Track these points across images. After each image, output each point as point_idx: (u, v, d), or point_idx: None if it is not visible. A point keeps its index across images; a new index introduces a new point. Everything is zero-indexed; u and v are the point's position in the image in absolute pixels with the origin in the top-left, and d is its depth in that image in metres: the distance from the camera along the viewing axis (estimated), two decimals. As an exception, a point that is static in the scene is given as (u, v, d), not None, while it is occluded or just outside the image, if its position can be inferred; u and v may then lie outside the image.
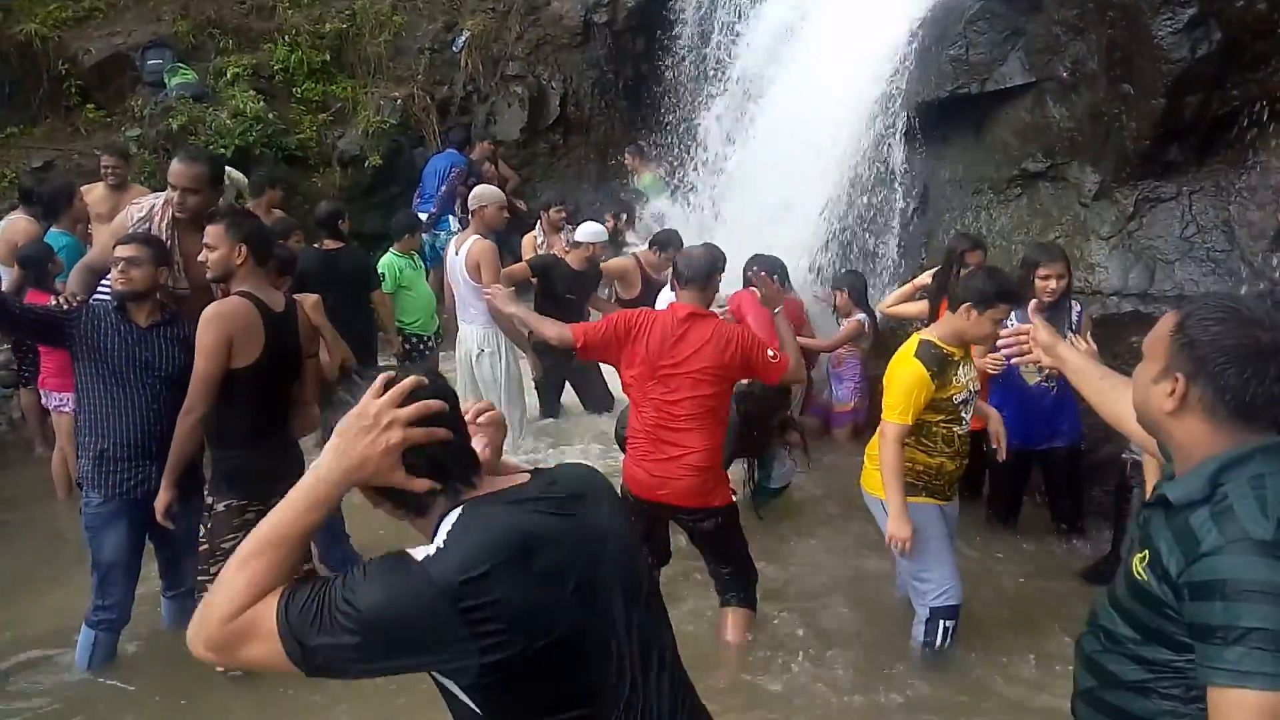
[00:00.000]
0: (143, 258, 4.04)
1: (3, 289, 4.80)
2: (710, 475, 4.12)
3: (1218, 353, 1.80)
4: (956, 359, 3.99)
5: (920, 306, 5.76)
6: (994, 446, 4.46)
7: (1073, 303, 5.07)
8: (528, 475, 1.77)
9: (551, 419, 7.30)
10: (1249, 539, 1.68)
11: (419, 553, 1.55)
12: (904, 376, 3.90)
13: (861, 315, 6.73)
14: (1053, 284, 4.81)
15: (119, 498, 4.05)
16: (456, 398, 1.70)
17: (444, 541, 1.56)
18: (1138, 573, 1.88)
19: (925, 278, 5.84)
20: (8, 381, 7.53)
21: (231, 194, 8.47)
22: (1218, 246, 5.58)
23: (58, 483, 5.98)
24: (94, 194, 7.11)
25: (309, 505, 1.57)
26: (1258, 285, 5.33)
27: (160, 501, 3.99)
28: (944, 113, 6.97)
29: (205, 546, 4.03)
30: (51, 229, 6.28)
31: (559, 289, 6.99)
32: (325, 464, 1.56)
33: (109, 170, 7.24)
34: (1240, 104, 5.54)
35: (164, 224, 4.56)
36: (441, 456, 1.62)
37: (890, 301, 6.18)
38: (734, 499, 4.31)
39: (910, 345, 3.98)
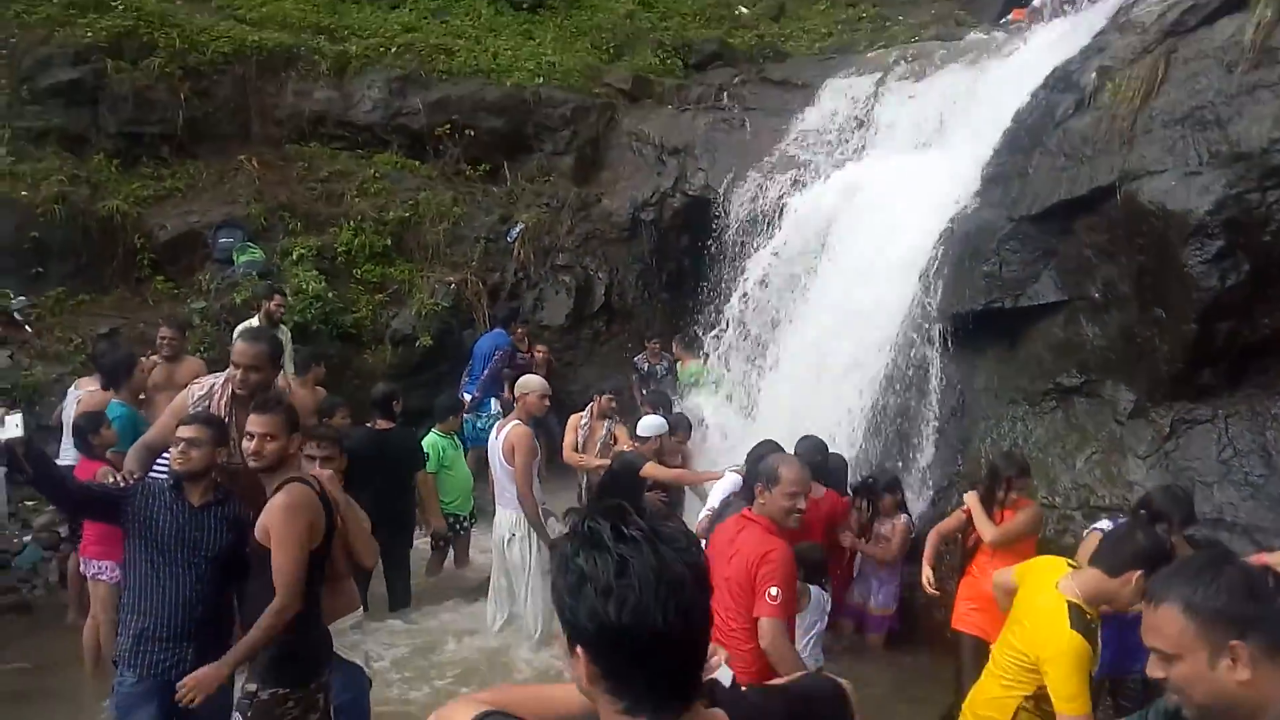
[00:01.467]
0: (204, 439, 4.16)
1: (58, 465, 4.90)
2: None
3: (1245, 601, 1.87)
4: (1094, 625, 3.55)
5: (957, 518, 5.74)
6: None
7: None
8: None
9: None
10: None
11: None
12: (1071, 654, 3.37)
13: (906, 517, 6.71)
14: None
15: (153, 678, 4.05)
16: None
17: None
18: None
19: (969, 497, 5.71)
20: (48, 544, 7.65)
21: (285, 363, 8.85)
22: (1255, 471, 5.60)
23: (87, 652, 5.97)
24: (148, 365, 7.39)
25: None
26: (1297, 513, 5.32)
27: (208, 680, 3.85)
28: (978, 324, 7.17)
29: None
30: (112, 399, 6.52)
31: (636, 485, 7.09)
32: None
33: (165, 341, 7.47)
34: (1271, 332, 5.67)
35: (223, 402, 4.76)
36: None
37: (944, 528, 5.91)
38: None
39: (1059, 611, 3.44)
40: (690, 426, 8.16)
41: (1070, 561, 4.03)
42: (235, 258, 10.50)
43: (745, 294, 9.37)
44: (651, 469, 6.97)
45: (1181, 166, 5.85)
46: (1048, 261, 6.80)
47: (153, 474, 4.74)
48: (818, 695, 1.87)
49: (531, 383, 6.88)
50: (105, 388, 6.65)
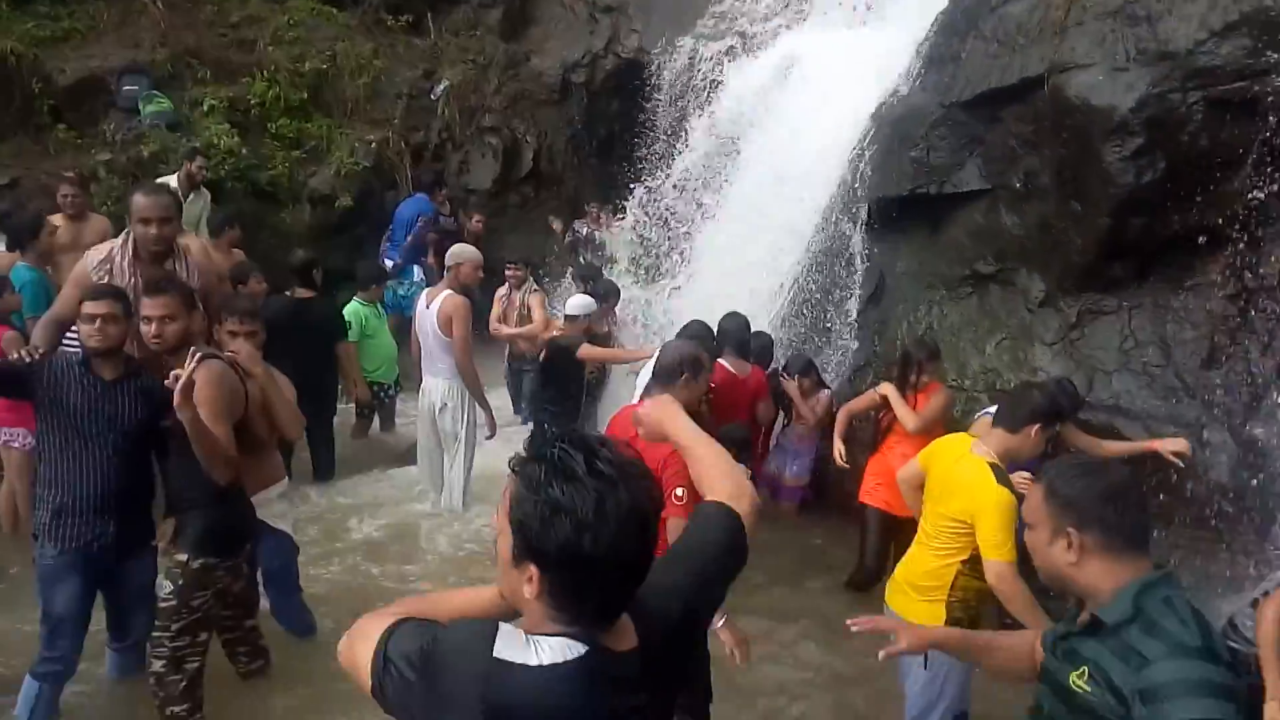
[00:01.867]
0: (119, 313, 4.04)
1: None
2: None
3: (1094, 500, 2.19)
4: None
5: (868, 399, 5.96)
6: None
7: None
8: (635, 641, 1.69)
9: None
10: (1183, 645, 2.03)
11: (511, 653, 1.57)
12: (1000, 507, 3.63)
13: (827, 392, 6.93)
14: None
15: (74, 550, 4.06)
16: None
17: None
18: (1077, 686, 2.19)
19: (886, 388, 5.82)
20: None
21: (194, 215, 8.58)
22: (1154, 361, 5.88)
23: (4, 516, 5.94)
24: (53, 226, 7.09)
25: None
26: (1192, 401, 5.63)
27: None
28: (902, 207, 7.26)
29: (172, 603, 4.00)
30: (18, 262, 6.27)
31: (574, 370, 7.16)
32: None
33: (67, 199, 7.19)
34: (1181, 229, 5.87)
35: (125, 263, 4.64)
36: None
37: (854, 407, 6.09)
38: None
39: (983, 471, 3.72)
40: (619, 293, 8.20)
41: (971, 433, 4.27)
42: (141, 107, 9.99)
43: (675, 167, 9.29)
44: (585, 351, 7.02)
45: (1109, 62, 5.88)
46: (974, 149, 6.87)
47: (63, 346, 4.63)
48: (710, 552, 1.93)
49: (465, 252, 6.79)
50: (10, 249, 6.38)
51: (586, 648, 1.58)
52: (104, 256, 4.67)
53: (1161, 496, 5.18)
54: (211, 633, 4.26)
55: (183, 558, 4.04)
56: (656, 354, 4.52)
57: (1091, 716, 2.15)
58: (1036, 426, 3.76)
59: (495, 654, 1.56)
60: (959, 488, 3.79)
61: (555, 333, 7.41)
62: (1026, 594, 3.61)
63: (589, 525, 1.51)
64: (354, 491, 7.05)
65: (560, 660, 1.56)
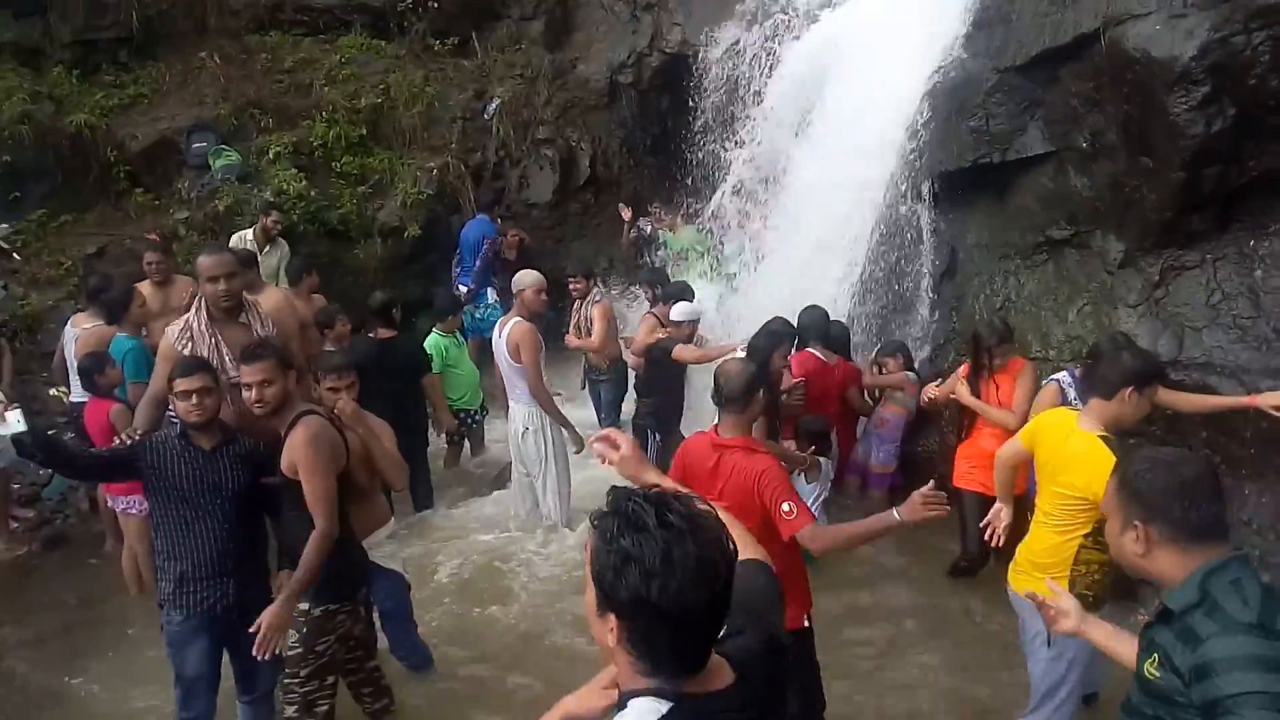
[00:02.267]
0: (210, 384, 4.23)
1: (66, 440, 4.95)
2: None
3: (1160, 494, 2.26)
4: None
5: (946, 390, 5.91)
6: None
7: None
8: (732, 677, 1.79)
9: None
10: (1237, 623, 2.09)
11: None
12: None
13: (912, 375, 6.90)
14: None
15: (199, 615, 4.29)
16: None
17: None
18: (1150, 674, 2.27)
19: (962, 393, 5.78)
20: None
21: (272, 266, 8.87)
22: (1244, 313, 5.71)
23: (129, 580, 6.24)
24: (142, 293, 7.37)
25: None
26: (1284, 352, 5.47)
27: (279, 618, 4.02)
28: (967, 178, 7.15)
29: (299, 650, 4.21)
30: (116, 334, 6.57)
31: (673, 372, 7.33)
32: None
33: (152, 266, 7.44)
34: (1258, 174, 5.68)
35: (202, 327, 4.83)
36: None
37: (940, 393, 6.06)
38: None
39: (1095, 445, 3.70)
40: (692, 294, 8.22)
41: (1070, 408, 4.24)
42: (211, 162, 10.33)
43: (735, 159, 9.27)
44: (679, 351, 7.11)
45: (1166, 9, 5.71)
46: (1034, 112, 6.73)
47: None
48: (759, 591, 2.09)
49: (526, 279, 6.91)
50: (108, 323, 6.69)
51: (670, 704, 1.67)
52: (183, 327, 4.89)
53: (1253, 451, 5.08)
54: (338, 676, 4.47)
55: (305, 606, 4.24)
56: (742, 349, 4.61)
57: (1165, 702, 2.22)
58: (1130, 389, 3.73)
59: None
60: (1074, 463, 3.77)
61: (660, 336, 7.46)
62: None
63: (656, 574, 1.60)
64: (453, 520, 7.25)
65: None
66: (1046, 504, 3.99)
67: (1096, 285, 6.34)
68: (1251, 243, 5.80)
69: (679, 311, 7.34)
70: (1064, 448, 3.87)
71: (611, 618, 1.66)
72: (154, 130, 10.57)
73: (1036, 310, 6.55)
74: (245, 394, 4.22)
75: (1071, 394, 4.98)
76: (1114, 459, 3.52)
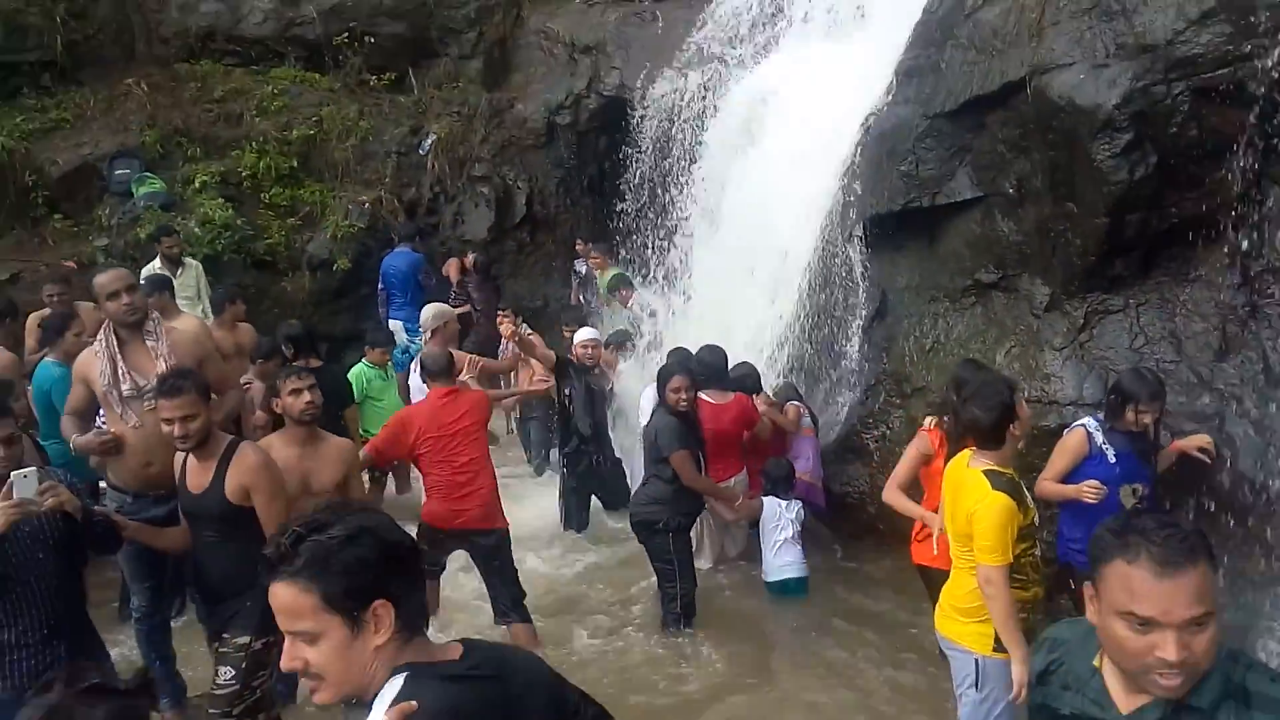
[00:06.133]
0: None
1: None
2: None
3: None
4: (1018, 480, 3.90)
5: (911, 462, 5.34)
6: None
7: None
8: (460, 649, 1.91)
9: (576, 531, 7.47)
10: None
11: None
12: (993, 513, 3.69)
13: (795, 402, 6.94)
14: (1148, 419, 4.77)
15: None
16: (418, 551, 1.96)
17: None
18: None
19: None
20: None
21: (190, 288, 8.61)
22: (1166, 357, 5.77)
23: None
24: (34, 323, 7.07)
25: None
26: (1204, 397, 5.53)
27: None
28: (898, 221, 7.20)
29: (234, 688, 4.03)
30: (45, 359, 6.30)
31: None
32: None
33: (53, 298, 7.15)
34: (1179, 221, 5.79)
35: (114, 354, 4.76)
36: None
37: (902, 477, 5.34)
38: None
39: (979, 480, 3.77)
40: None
41: (969, 449, 4.16)
42: (134, 190, 10.10)
43: (667, 201, 9.29)
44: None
45: (1089, 59, 5.82)
46: (963, 158, 6.80)
47: None
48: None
49: (444, 312, 7.06)
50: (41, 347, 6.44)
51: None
52: (105, 364, 4.79)
53: (1193, 499, 5.12)
54: (273, 710, 4.30)
55: (245, 640, 4.06)
56: None
57: None
58: (1010, 425, 3.90)
59: None
60: (963, 499, 3.84)
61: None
62: (1009, 605, 3.68)
63: None
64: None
65: None
66: (955, 546, 4.00)
67: (1024, 328, 6.39)
68: (1173, 289, 5.88)
69: (580, 336, 7.55)
70: (959, 487, 3.93)
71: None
72: (76, 155, 10.33)
73: (965, 352, 6.55)
74: (166, 428, 4.09)
75: (1099, 439, 4.79)
76: (992, 493, 3.68)
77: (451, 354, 6.32)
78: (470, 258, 10.42)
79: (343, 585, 1.75)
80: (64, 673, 2.04)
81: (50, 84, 10.73)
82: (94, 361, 4.84)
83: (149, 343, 4.81)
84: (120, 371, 4.70)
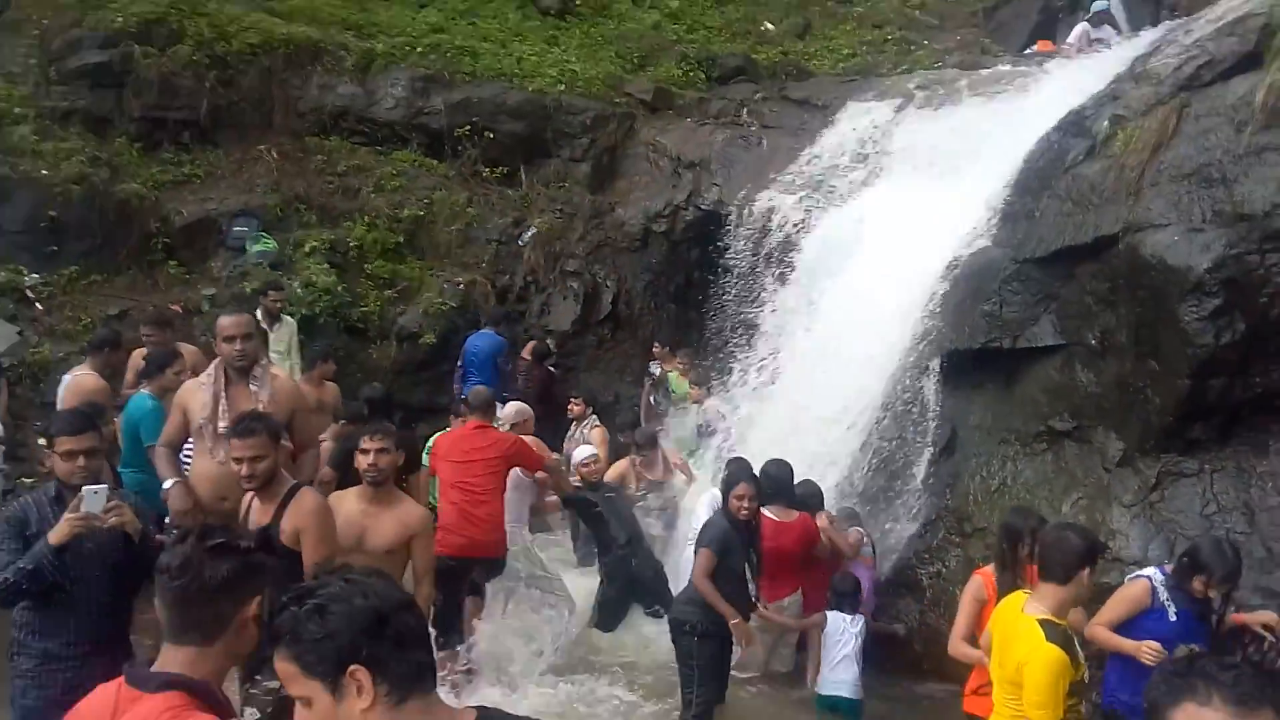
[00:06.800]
0: (97, 444, 4.03)
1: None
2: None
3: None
4: (1071, 634, 3.75)
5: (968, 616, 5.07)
6: None
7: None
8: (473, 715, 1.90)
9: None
10: None
11: None
12: (1047, 666, 3.54)
13: (858, 529, 6.84)
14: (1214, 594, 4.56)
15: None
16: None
17: None
18: None
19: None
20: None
21: (283, 342, 8.96)
22: (1238, 528, 5.63)
23: None
24: (136, 359, 7.27)
25: None
26: (1275, 573, 5.35)
27: None
28: (976, 361, 7.21)
29: None
30: (140, 390, 6.53)
31: None
32: None
33: (149, 337, 7.48)
34: (1263, 392, 5.71)
35: (214, 386, 4.99)
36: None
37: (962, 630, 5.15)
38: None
39: (1033, 630, 3.62)
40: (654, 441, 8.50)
41: (1024, 590, 4.08)
42: (248, 247, 10.62)
43: (752, 316, 9.44)
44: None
45: (1185, 222, 5.89)
46: (1048, 305, 6.85)
47: None
48: None
49: (523, 410, 7.52)
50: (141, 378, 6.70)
51: None
52: (201, 382, 5.05)
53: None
54: None
55: (275, 685, 4.07)
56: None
57: None
58: (1085, 570, 3.72)
59: None
60: (1015, 649, 3.69)
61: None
62: None
63: None
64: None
65: None
66: (999, 691, 3.87)
67: (1093, 480, 6.29)
68: (1251, 459, 5.78)
69: (578, 455, 7.82)
70: (1009, 634, 3.80)
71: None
72: (200, 209, 10.92)
73: (1031, 499, 6.47)
74: (235, 466, 4.26)
75: (1163, 594, 4.58)
76: (1047, 645, 3.52)
77: (490, 393, 7.09)
78: (531, 344, 10.66)
79: (315, 653, 1.81)
80: (196, 529, 2.32)
81: (189, 141, 11.44)
82: (198, 393, 5.06)
83: (252, 387, 5.02)
84: (221, 408, 4.90)
